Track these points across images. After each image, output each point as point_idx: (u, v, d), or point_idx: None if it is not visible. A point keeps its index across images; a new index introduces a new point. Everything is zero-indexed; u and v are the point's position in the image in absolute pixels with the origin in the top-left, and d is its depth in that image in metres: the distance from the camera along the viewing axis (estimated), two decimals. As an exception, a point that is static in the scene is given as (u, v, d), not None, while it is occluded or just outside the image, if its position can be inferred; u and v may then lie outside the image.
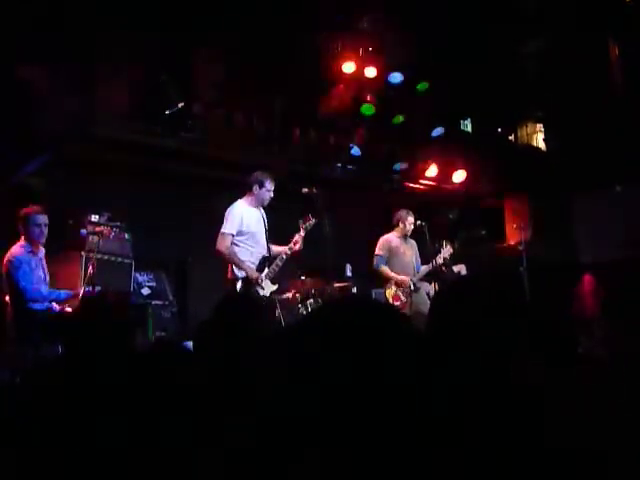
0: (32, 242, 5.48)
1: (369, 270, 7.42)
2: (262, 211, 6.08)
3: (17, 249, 5.43)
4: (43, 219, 5.48)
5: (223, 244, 5.78)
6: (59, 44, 5.91)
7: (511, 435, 1.21)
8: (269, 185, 5.94)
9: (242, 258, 5.83)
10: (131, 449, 1.25)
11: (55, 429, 1.32)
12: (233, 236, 5.82)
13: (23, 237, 5.46)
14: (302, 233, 5.93)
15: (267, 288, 5.81)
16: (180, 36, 6.62)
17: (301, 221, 5.96)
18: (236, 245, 5.86)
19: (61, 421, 1.32)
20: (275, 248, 6.04)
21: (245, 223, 5.88)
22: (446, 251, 7.25)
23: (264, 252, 5.95)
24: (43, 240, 5.54)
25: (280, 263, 5.88)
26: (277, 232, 6.23)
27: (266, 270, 5.86)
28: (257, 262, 5.89)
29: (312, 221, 5.95)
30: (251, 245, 5.91)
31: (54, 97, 6.30)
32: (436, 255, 7.17)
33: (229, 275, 5.88)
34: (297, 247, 5.91)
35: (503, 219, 10.23)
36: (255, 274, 5.78)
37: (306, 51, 7.58)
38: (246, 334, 2.68)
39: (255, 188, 5.93)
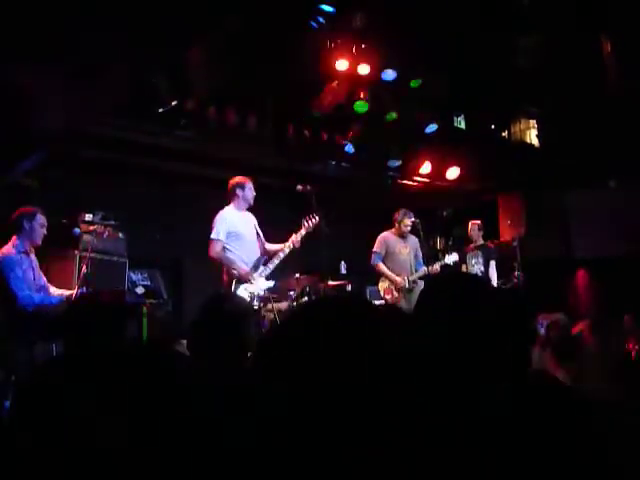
0: (30, 242, 5.36)
1: (364, 268, 7.43)
2: (251, 215, 6.26)
3: (8, 249, 5.24)
4: (45, 221, 5.45)
5: (214, 250, 5.96)
6: (57, 44, 5.88)
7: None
8: (249, 184, 6.18)
9: (232, 259, 5.99)
10: (131, 449, 1.25)
11: (55, 429, 1.31)
12: (222, 241, 5.98)
13: (16, 236, 5.28)
14: (303, 232, 6.12)
15: (261, 285, 5.94)
16: (175, 35, 6.60)
17: (304, 220, 6.13)
18: (227, 249, 6.01)
19: (61, 421, 1.31)
20: (271, 247, 6.21)
21: (232, 226, 6.05)
22: (451, 257, 7.28)
23: (256, 253, 6.13)
24: (40, 242, 5.46)
25: (277, 261, 6.07)
26: (274, 231, 6.25)
27: (261, 268, 6.03)
28: (250, 262, 6.03)
29: (315, 220, 6.12)
30: (240, 247, 6.05)
31: (51, 97, 6.29)
32: (436, 257, 7.20)
33: (225, 277, 6.00)
34: (297, 245, 6.08)
35: (497, 215, 10.25)
36: (245, 271, 5.92)
37: (299, 48, 7.56)
38: (232, 333, 2.68)
39: (238, 191, 6.13)
